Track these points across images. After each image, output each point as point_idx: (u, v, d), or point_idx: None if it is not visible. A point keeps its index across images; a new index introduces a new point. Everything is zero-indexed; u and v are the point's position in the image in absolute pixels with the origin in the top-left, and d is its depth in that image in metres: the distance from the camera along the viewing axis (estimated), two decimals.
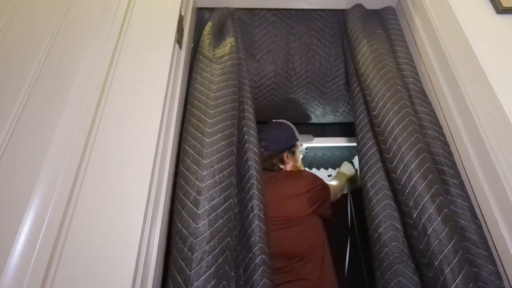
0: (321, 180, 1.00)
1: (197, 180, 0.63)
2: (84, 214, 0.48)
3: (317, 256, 0.87)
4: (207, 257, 0.57)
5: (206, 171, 0.65)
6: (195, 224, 0.59)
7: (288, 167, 1.11)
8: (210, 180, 0.64)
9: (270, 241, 0.74)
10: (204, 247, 0.57)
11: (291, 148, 1.14)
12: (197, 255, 0.56)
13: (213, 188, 0.63)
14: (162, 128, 0.62)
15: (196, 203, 0.61)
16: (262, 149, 1.09)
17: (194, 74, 0.84)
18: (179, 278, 0.55)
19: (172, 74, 0.70)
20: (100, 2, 0.71)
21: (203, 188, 0.62)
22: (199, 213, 0.60)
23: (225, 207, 0.63)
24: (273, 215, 0.86)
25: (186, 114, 0.76)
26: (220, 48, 0.93)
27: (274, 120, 1.24)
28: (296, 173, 1.06)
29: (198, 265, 0.55)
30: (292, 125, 1.20)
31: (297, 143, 1.18)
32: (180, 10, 0.79)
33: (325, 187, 1.00)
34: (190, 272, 0.55)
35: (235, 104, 0.80)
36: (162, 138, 0.61)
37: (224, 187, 0.65)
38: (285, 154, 1.11)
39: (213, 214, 0.61)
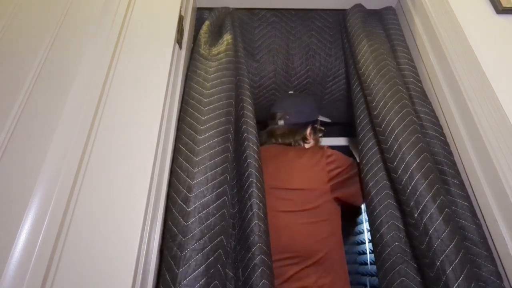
0: (351, 159, 0.89)
1: (188, 178, 0.62)
2: (84, 214, 0.48)
3: (322, 256, 0.76)
4: (196, 255, 0.55)
5: (198, 168, 0.64)
6: (185, 222, 0.57)
7: (307, 147, 0.96)
8: (201, 177, 0.63)
9: (275, 225, 0.70)
10: (194, 245, 0.56)
11: (314, 123, 0.98)
12: (185, 253, 0.55)
13: (204, 185, 0.62)
14: (162, 128, 0.62)
15: (186, 201, 0.60)
16: (281, 122, 0.94)
17: (189, 73, 0.83)
18: (167, 276, 0.54)
19: (172, 74, 0.70)
20: (100, 2, 0.71)
21: (194, 185, 0.61)
22: (188, 211, 0.58)
23: (218, 204, 0.62)
24: (279, 186, 0.77)
25: (181, 113, 0.76)
26: (216, 47, 0.92)
27: (291, 92, 1.08)
28: (320, 147, 0.92)
29: (186, 264, 0.54)
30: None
31: (320, 119, 1.02)
32: (180, 10, 0.79)
33: (354, 165, 0.88)
34: (177, 270, 0.53)
35: (231, 101, 0.79)
36: (162, 138, 0.61)
37: (217, 184, 0.64)
38: (309, 129, 0.96)
39: (203, 212, 0.59)
